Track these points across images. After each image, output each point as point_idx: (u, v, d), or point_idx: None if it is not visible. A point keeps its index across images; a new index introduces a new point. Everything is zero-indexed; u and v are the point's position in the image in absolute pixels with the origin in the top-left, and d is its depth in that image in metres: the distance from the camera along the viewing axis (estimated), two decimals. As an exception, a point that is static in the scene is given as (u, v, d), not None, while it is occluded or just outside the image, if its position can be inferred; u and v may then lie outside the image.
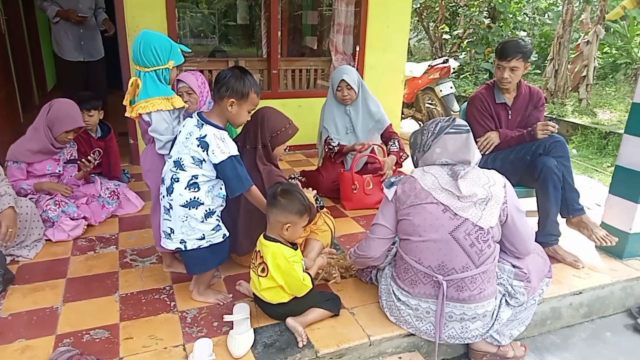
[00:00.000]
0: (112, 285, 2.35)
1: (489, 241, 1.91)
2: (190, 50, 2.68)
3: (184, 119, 2.18)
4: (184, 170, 1.98)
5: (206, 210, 2.02)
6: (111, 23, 4.26)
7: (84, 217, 2.95)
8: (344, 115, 3.58)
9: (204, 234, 2.03)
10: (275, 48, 4.69)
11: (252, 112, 2.17)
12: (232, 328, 1.95)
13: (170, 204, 2.01)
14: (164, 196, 2.04)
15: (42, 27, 6.23)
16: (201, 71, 4.48)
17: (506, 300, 2.05)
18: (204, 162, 1.97)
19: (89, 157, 3.10)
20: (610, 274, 2.58)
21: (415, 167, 2.08)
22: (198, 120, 2.02)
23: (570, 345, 2.37)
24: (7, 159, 2.86)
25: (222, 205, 2.12)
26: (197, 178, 1.98)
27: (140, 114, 2.11)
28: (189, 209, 1.98)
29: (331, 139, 3.57)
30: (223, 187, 2.07)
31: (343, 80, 3.44)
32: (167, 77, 2.15)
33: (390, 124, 3.65)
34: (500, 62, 2.80)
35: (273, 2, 4.54)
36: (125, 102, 2.18)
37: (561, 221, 2.68)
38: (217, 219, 2.08)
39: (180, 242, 2.03)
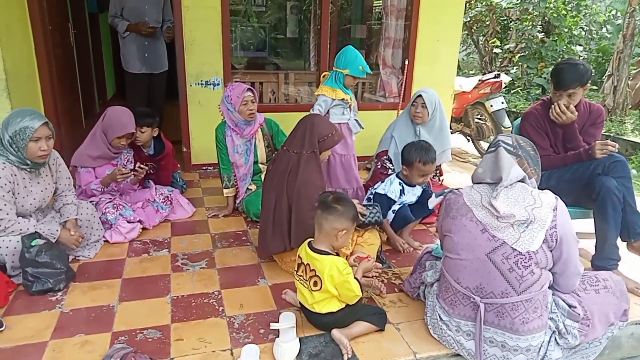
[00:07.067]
0: (165, 288, 2.44)
1: (531, 267, 1.80)
2: (371, 72, 3.58)
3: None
4: None
5: None
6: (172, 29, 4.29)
7: (140, 221, 3.07)
8: (413, 135, 3.57)
9: None
10: (324, 61, 4.75)
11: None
12: (278, 336, 1.98)
13: None
14: None
15: (105, 39, 6.59)
16: (252, 83, 4.63)
17: (556, 338, 1.90)
18: None
19: (143, 165, 3.20)
20: (674, 303, 2.42)
21: None
22: None
23: (629, 376, 2.24)
24: (74, 164, 3.04)
25: None
26: None
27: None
28: None
29: (387, 158, 3.57)
30: None
31: (420, 96, 3.48)
32: (340, 79, 3.30)
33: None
34: (556, 91, 2.67)
35: (324, 16, 4.61)
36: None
37: (621, 245, 2.56)
38: None
39: None
